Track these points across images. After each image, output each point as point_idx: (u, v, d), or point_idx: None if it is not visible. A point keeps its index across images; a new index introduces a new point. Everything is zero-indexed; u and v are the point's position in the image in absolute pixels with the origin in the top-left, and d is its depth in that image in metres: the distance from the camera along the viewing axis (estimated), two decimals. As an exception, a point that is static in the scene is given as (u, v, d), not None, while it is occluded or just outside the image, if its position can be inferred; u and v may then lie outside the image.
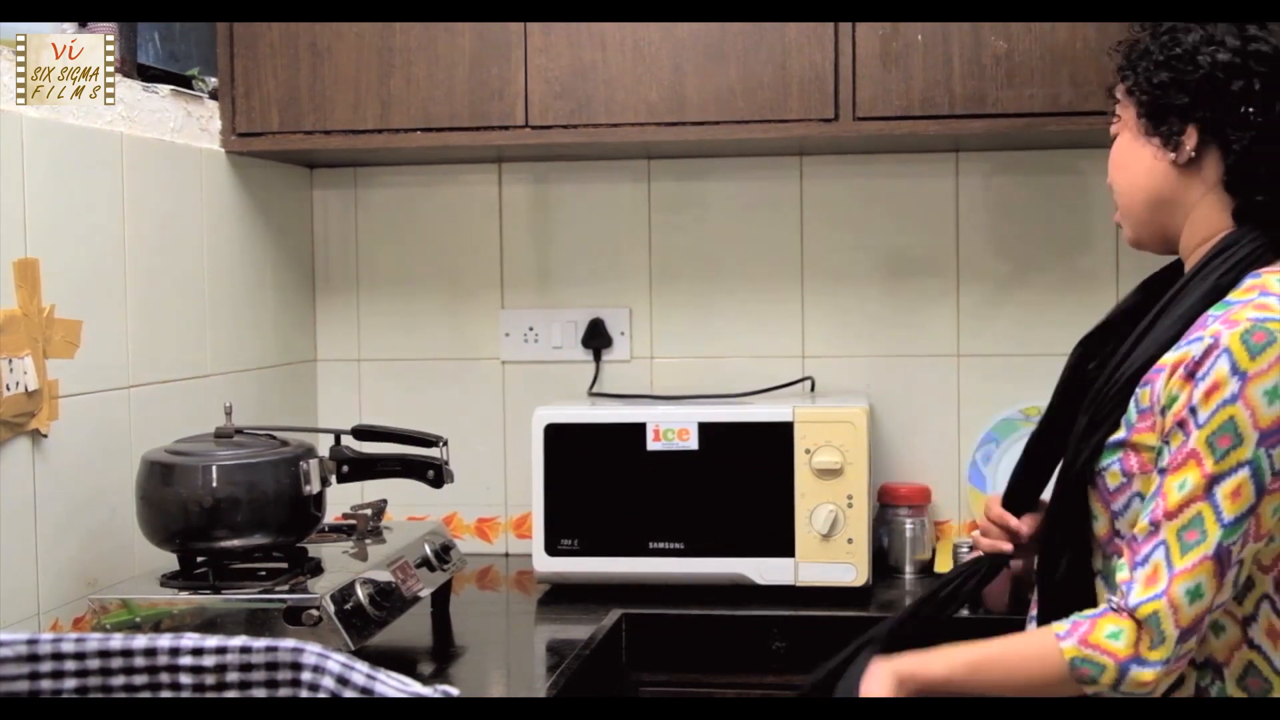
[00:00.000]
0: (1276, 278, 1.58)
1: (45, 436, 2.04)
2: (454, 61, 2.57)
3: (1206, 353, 1.52)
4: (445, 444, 2.35)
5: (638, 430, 2.59)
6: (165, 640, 1.23)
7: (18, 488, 2.00)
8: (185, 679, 1.22)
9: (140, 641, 1.23)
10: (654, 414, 2.61)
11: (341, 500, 2.46)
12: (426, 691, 1.21)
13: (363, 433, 2.38)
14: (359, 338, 3.05)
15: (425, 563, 2.34)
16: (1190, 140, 1.63)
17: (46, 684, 1.21)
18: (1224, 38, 1.60)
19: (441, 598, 2.45)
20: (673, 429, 2.58)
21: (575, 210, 2.98)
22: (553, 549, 2.63)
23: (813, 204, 2.91)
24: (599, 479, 2.62)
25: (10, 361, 1.94)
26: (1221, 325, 1.53)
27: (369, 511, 2.42)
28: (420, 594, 2.27)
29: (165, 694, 1.22)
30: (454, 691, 1.22)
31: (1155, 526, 1.52)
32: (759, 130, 2.53)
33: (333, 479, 2.24)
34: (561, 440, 2.63)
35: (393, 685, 1.21)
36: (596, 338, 2.96)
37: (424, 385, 3.02)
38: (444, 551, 2.41)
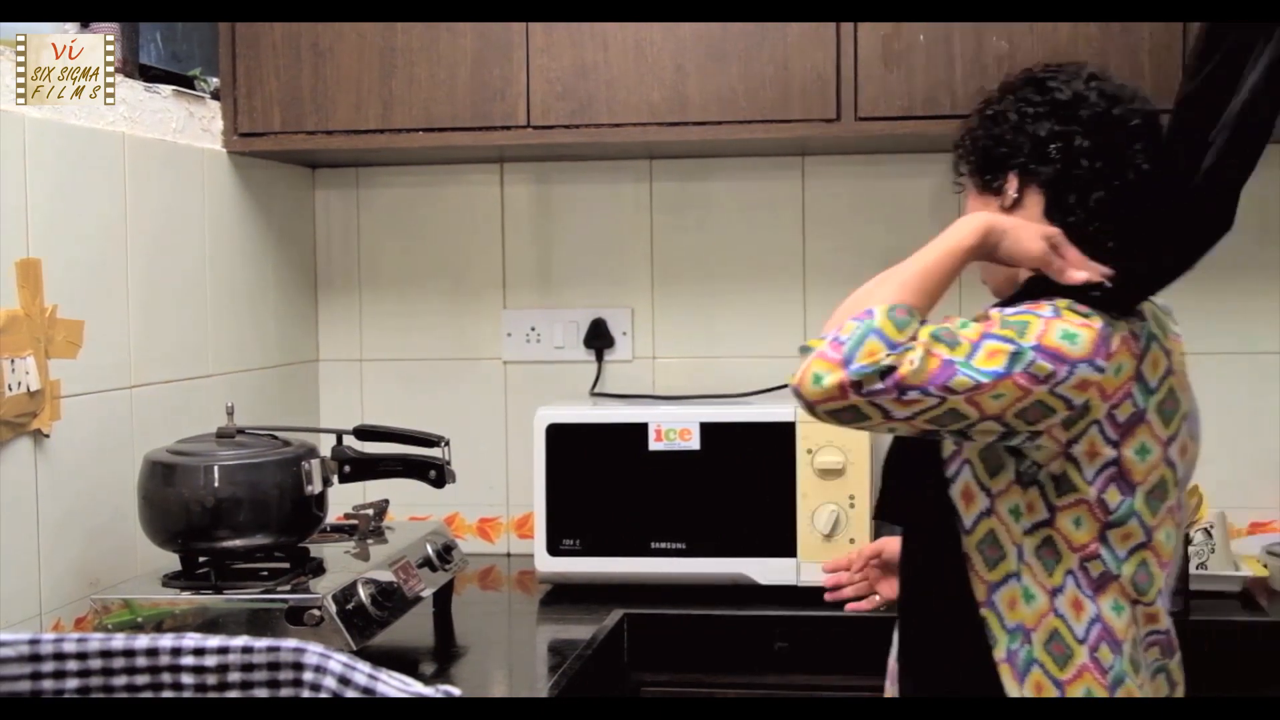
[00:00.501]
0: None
1: (47, 436, 2.04)
2: (456, 61, 2.57)
3: (1036, 301, 1.71)
4: (447, 444, 2.35)
5: (640, 430, 2.59)
6: (167, 640, 1.23)
7: (20, 488, 2.00)
8: (187, 679, 1.22)
9: (142, 641, 1.23)
10: (656, 414, 2.61)
11: (343, 500, 2.46)
12: (428, 692, 1.21)
13: (364, 433, 2.38)
14: (361, 338, 3.05)
15: (427, 563, 2.34)
16: (1011, 184, 1.81)
17: (48, 684, 1.21)
18: (1028, 95, 1.82)
19: (443, 598, 2.45)
20: (675, 429, 2.58)
21: (577, 210, 2.98)
22: (554, 549, 2.63)
23: (815, 204, 2.90)
24: (601, 479, 2.62)
25: (12, 361, 1.95)
26: (1057, 295, 1.70)
27: (371, 511, 2.42)
28: (422, 594, 2.27)
29: (167, 694, 1.22)
30: (456, 691, 1.22)
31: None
32: (761, 130, 2.53)
33: (334, 479, 2.24)
34: (563, 440, 2.63)
35: (394, 685, 1.21)
36: (598, 338, 2.96)
37: (426, 385, 3.02)
38: (446, 551, 2.41)
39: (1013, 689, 1.71)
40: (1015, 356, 1.61)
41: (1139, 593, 1.74)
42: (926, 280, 1.69)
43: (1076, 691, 1.70)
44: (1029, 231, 1.72)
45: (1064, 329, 1.64)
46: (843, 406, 1.59)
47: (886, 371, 1.57)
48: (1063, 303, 1.68)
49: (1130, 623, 1.73)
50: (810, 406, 1.61)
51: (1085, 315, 1.66)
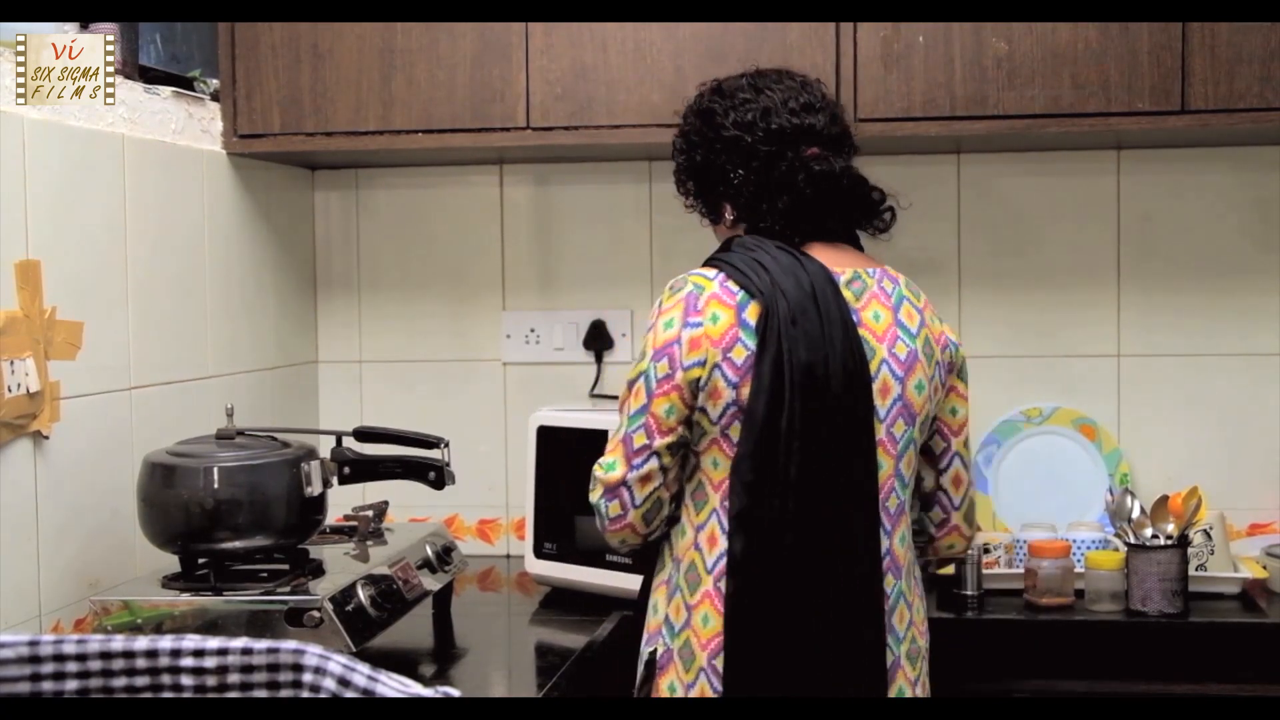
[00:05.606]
0: (708, 270, 2.01)
1: (47, 438, 2.04)
2: (455, 63, 2.57)
3: None
4: (446, 445, 2.35)
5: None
6: (167, 641, 1.23)
7: (19, 489, 2.00)
8: (187, 680, 1.22)
9: (142, 643, 1.23)
10: None
11: (343, 502, 2.46)
12: (427, 693, 1.21)
13: (364, 434, 2.37)
14: (360, 339, 3.04)
15: (426, 564, 2.34)
16: (728, 210, 2.11)
17: (48, 685, 1.21)
18: (704, 131, 2.11)
19: (443, 599, 2.44)
20: None
21: (577, 212, 2.98)
22: (539, 551, 2.62)
23: (814, 205, 2.90)
24: (580, 484, 2.58)
25: (12, 363, 1.94)
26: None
27: (370, 513, 2.42)
28: (421, 595, 2.27)
29: (167, 695, 1.22)
30: (455, 693, 1.22)
31: None
32: (760, 131, 2.52)
33: (334, 480, 2.24)
34: (553, 443, 2.62)
35: (394, 686, 1.20)
36: (598, 339, 2.96)
37: (425, 387, 3.01)
38: (445, 553, 2.41)
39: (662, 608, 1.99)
40: (646, 380, 1.97)
41: None
42: None
43: (699, 612, 1.93)
44: None
45: (663, 321, 1.98)
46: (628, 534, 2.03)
47: (600, 513, 2.02)
48: (666, 293, 2.02)
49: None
50: None
51: (673, 290, 2.00)
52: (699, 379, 1.91)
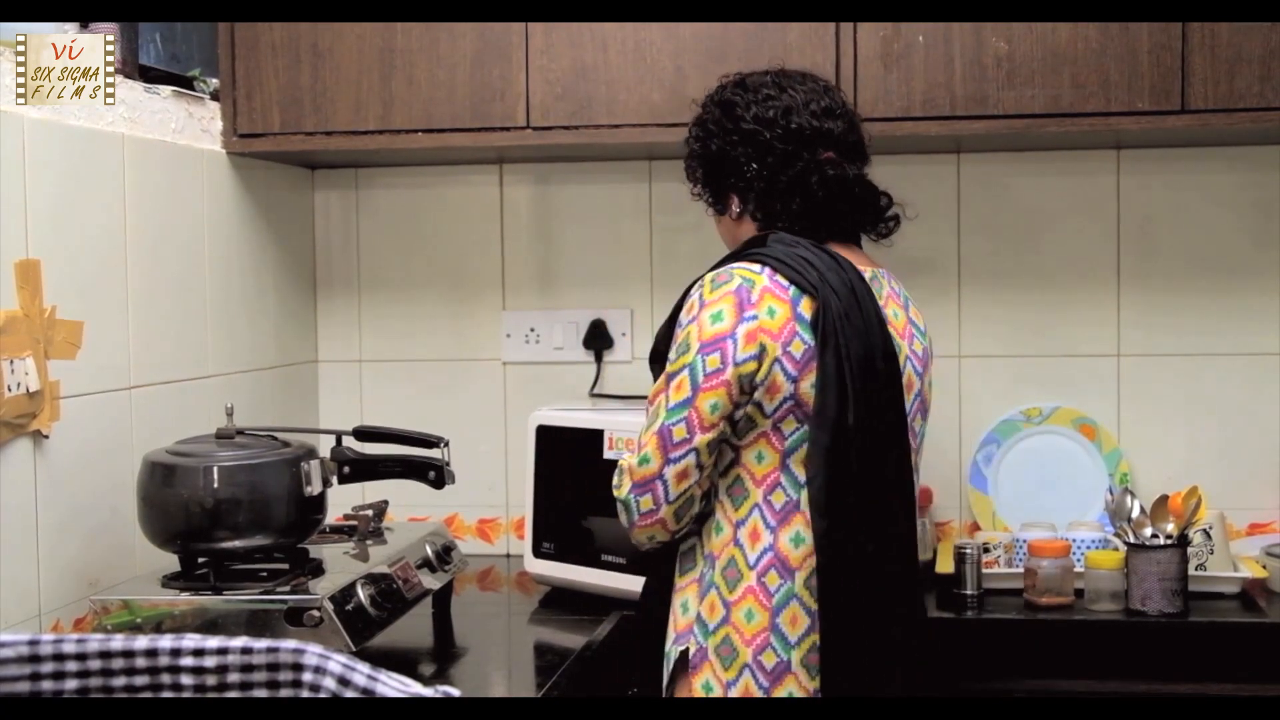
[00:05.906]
0: (752, 264, 1.98)
1: (46, 437, 2.04)
2: (455, 62, 2.57)
3: (689, 291, 2.00)
4: (446, 445, 2.35)
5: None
6: (166, 641, 1.23)
7: (19, 489, 2.00)
8: (186, 680, 1.22)
9: (141, 642, 1.23)
10: (614, 421, 2.55)
11: (343, 501, 2.46)
12: (427, 692, 1.21)
13: (364, 434, 2.37)
14: (360, 339, 3.04)
15: (426, 563, 2.34)
16: (734, 203, 2.13)
17: (48, 685, 1.21)
18: (721, 121, 2.12)
19: (442, 598, 2.44)
20: (624, 438, 2.51)
21: (577, 211, 2.98)
22: (537, 550, 2.62)
23: (814, 205, 2.90)
24: (575, 484, 2.59)
25: (12, 362, 1.94)
26: (708, 273, 1.99)
27: (370, 512, 2.42)
28: (421, 595, 2.27)
29: (166, 694, 1.22)
30: (454, 692, 1.22)
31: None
32: (760, 131, 2.52)
33: (334, 480, 2.24)
34: (554, 442, 2.62)
35: (393, 686, 1.20)
36: (598, 339, 2.96)
37: (425, 386, 3.01)
38: (445, 552, 2.41)
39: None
40: (691, 373, 1.94)
41: None
42: None
43: (740, 609, 1.93)
44: None
45: (710, 314, 1.94)
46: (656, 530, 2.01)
47: (628, 505, 1.99)
48: (707, 284, 1.99)
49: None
50: None
51: (722, 284, 1.95)
52: (753, 373, 1.90)
